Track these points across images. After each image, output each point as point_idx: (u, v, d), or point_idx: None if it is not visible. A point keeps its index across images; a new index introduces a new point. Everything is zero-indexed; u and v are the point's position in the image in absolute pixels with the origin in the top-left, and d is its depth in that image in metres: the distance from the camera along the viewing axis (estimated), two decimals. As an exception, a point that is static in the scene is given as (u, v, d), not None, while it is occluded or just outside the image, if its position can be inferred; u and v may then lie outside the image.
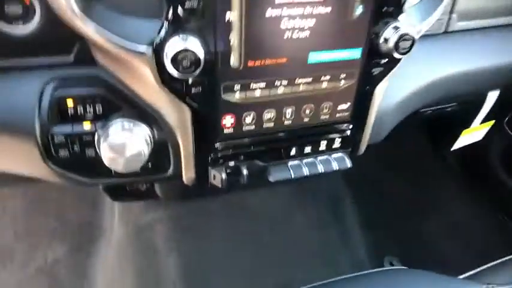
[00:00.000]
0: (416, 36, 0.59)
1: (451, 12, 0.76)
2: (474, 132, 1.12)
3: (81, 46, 0.56)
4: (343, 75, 0.61)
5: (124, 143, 0.55)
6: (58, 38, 0.55)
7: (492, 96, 0.99)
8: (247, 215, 1.30)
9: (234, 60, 0.54)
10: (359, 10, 0.55)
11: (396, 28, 0.57)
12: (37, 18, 0.53)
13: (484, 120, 1.09)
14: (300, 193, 1.43)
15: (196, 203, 1.26)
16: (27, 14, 0.53)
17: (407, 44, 0.57)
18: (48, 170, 0.60)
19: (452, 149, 1.13)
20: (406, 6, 0.58)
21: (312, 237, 1.32)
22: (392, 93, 0.72)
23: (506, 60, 0.84)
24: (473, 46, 0.82)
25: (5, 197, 1.33)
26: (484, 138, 1.17)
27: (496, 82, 0.92)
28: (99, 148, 0.57)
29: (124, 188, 1.05)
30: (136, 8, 0.50)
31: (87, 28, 0.49)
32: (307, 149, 0.68)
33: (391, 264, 1.34)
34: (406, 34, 0.57)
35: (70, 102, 0.56)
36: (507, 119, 1.29)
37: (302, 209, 1.39)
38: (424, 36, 0.76)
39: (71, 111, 0.57)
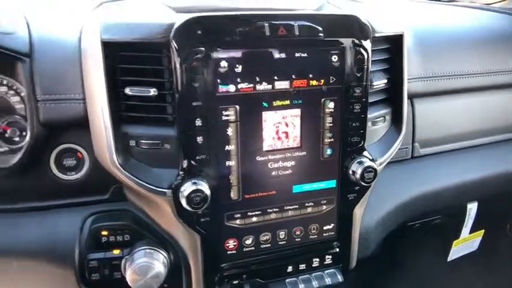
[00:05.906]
0: (378, 168, 0.74)
1: (413, 142, 0.94)
2: (468, 242, 1.19)
3: (116, 187, 0.73)
4: (324, 201, 0.75)
5: (147, 266, 0.67)
6: (99, 182, 0.72)
7: (472, 208, 1.09)
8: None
9: (234, 195, 0.69)
10: (328, 152, 0.72)
11: (360, 163, 0.73)
12: (85, 168, 0.71)
13: (474, 230, 1.17)
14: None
15: None
16: (78, 165, 0.71)
17: (371, 175, 0.72)
18: (80, 292, 0.71)
19: (448, 260, 1.18)
20: (365, 146, 0.74)
21: None
22: (372, 212, 0.85)
23: (471, 177, 0.98)
24: (439, 167, 0.97)
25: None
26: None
27: (469, 195, 1.04)
28: (125, 271, 0.68)
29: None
30: (160, 161, 0.67)
31: (125, 177, 0.65)
32: (302, 266, 0.78)
33: None
34: (369, 167, 0.72)
35: (104, 233, 0.71)
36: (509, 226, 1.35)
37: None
38: (395, 162, 0.92)
39: (104, 240, 0.70)
